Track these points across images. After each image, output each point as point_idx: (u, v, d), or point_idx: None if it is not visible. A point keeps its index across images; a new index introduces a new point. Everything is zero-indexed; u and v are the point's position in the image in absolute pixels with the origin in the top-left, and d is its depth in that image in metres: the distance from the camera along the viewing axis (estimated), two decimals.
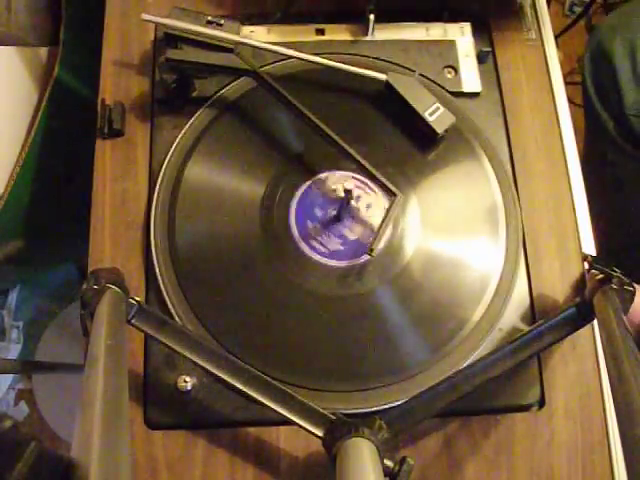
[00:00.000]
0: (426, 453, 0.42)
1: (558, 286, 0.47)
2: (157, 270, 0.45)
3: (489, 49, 0.52)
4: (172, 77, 0.48)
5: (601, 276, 0.41)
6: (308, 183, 0.48)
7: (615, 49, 0.62)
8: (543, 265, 0.47)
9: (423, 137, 0.49)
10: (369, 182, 0.48)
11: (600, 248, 0.48)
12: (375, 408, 0.42)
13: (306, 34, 0.53)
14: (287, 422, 0.37)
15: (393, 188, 0.45)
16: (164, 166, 0.48)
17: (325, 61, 0.48)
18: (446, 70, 0.52)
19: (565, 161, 0.50)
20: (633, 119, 0.60)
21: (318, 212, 0.47)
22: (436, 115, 0.47)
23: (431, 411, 0.38)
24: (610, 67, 0.62)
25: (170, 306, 0.44)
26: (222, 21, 0.47)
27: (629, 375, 0.31)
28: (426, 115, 0.47)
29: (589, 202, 0.49)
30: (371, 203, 0.48)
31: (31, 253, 0.76)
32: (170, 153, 0.49)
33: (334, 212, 0.47)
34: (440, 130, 0.47)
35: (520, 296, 0.46)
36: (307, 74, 0.51)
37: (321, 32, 0.53)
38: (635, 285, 0.40)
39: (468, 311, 0.45)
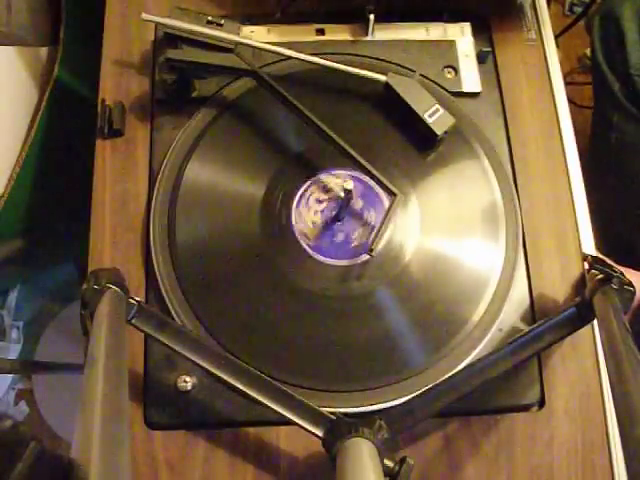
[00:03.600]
0: (426, 453, 0.42)
1: (558, 286, 0.47)
2: (157, 270, 0.45)
3: (489, 49, 0.52)
4: (172, 77, 0.48)
5: (601, 276, 0.41)
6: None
7: (624, 13, 0.64)
8: (543, 265, 0.47)
9: (423, 137, 0.49)
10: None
11: (600, 222, 0.48)
12: (375, 408, 0.42)
13: (306, 34, 0.53)
14: (287, 422, 0.37)
15: (393, 188, 0.45)
16: (164, 166, 0.48)
17: (325, 62, 0.48)
18: (446, 70, 0.52)
19: (565, 161, 0.50)
20: (637, 79, 0.62)
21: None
22: (436, 117, 0.47)
23: (431, 411, 0.38)
24: (618, 30, 0.64)
25: (170, 306, 0.44)
26: (222, 21, 0.47)
27: (629, 375, 0.31)
28: (426, 117, 0.47)
29: (594, 175, 0.49)
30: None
31: (31, 253, 0.76)
32: (170, 153, 0.49)
33: (334, 212, 0.47)
34: (440, 132, 0.47)
35: (520, 296, 0.46)
36: (307, 74, 0.51)
37: (321, 32, 0.53)
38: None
39: (468, 311, 0.45)
